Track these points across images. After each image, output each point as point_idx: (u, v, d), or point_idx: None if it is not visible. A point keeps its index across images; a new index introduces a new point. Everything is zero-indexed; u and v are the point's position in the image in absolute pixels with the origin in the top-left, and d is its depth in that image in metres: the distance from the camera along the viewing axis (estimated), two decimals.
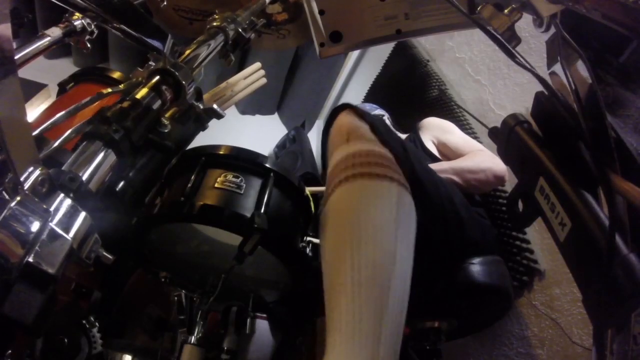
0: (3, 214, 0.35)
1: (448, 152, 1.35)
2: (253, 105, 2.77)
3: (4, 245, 0.34)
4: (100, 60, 2.41)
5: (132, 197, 0.61)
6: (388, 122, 1.73)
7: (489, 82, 1.57)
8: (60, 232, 0.39)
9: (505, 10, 0.58)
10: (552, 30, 0.57)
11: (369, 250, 0.65)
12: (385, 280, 0.63)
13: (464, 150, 1.30)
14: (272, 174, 0.86)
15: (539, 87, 0.59)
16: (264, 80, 1.20)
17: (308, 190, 0.94)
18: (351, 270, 0.63)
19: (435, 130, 1.40)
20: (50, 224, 0.38)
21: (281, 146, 2.73)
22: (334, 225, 0.72)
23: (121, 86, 0.64)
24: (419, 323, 1.03)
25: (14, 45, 0.43)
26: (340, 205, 0.73)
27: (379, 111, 1.78)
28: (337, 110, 0.88)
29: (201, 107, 0.69)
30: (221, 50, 0.78)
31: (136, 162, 0.59)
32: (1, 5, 0.35)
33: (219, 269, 0.92)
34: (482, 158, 1.22)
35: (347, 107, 0.88)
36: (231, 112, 1.50)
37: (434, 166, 1.14)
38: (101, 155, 0.49)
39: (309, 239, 0.95)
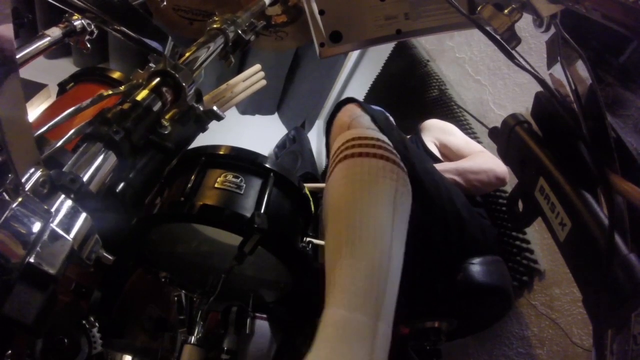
0: (4, 215, 0.35)
1: (449, 154, 1.35)
2: (253, 105, 2.77)
3: (5, 246, 0.35)
4: (100, 60, 2.41)
5: (132, 197, 0.61)
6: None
7: (489, 82, 1.57)
8: (61, 232, 0.39)
9: (505, 11, 0.58)
10: (552, 30, 0.57)
11: (368, 230, 0.66)
12: (384, 249, 0.64)
13: (465, 152, 1.30)
14: (272, 174, 0.86)
15: (539, 87, 0.59)
16: (264, 82, 1.20)
17: (307, 186, 0.94)
18: (350, 243, 0.64)
19: (437, 132, 1.41)
20: (51, 224, 0.39)
21: (281, 146, 2.73)
22: (334, 201, 0.72)
23: (122, 88, 0.64)
24: (419, 323, 1.03)
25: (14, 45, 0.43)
26: (340, 181, 0.73)
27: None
28: (341, 103, 0.89)
29: (201, 108, 0.69)
30: (221, 52, 0.78)
31: (136, 163, 0.59)
32: (2, 6, 0.35)
33: (219, 269, 0.92)
34: (484, 159, 1.22)
35: (351, 100, 0.89)
36: (231, 113, 1.50)
37: (436, 166, 1.14)
38: (102, 156, 0.49)
39: (309, 239, 0.95)
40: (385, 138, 0.78)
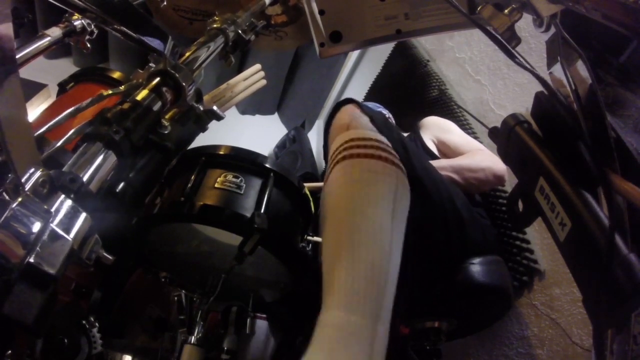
0: (4, 215, 0.35)
1: (448, 151, 1.35)
2: (253, 105, 2.77)
3: (5, 246, 0.35)
4: (100, 60, 2.40)
5: (132, 197, 0.61)
6: (392, 121, 1.72)
7: (489, 82, 1.57)
8: (61, 232, 0.39)
9: (505, 10, 0.58)
10: (552, 30, 0.57)
11: (368, 232, 0.66)
12: (384, 250, 0.64)
13: (464, 150, 1.30)
14: (272, 174, 0.86)
15: (539, 87, 0.59)
16: (264, 82, 1.20)
17: (307, 186, 0.94)
18: (349, 245, 0.64)
19: (435, 130, 1.40)
20: (51, 224, 0.39)
21: (281, 146, 2.73)
22: (333, 202, 0.72)
23: (122, 88, 0.64)
24: (419, 323, 1.03)
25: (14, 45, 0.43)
26: (339, 181, 0.73)
27: (382, 110, 1.78)
28: (340, 104, 0.89)
29: (201, 108, 0.69)
30: (221, 52, 0.78)
31: (136, 163, 0.59)
32: (2, 5, 0.35)
33: (219, 269, 0.92)
34: (481, 157, 1.22)
35: (350, 101, 0.89)
36: (231, 112, 1.50)
37: (433, 163, 1.14)
38: (102, 156, 0.49)
39: (309, 238, 0.95)
40: (384, 139, 0.78)
